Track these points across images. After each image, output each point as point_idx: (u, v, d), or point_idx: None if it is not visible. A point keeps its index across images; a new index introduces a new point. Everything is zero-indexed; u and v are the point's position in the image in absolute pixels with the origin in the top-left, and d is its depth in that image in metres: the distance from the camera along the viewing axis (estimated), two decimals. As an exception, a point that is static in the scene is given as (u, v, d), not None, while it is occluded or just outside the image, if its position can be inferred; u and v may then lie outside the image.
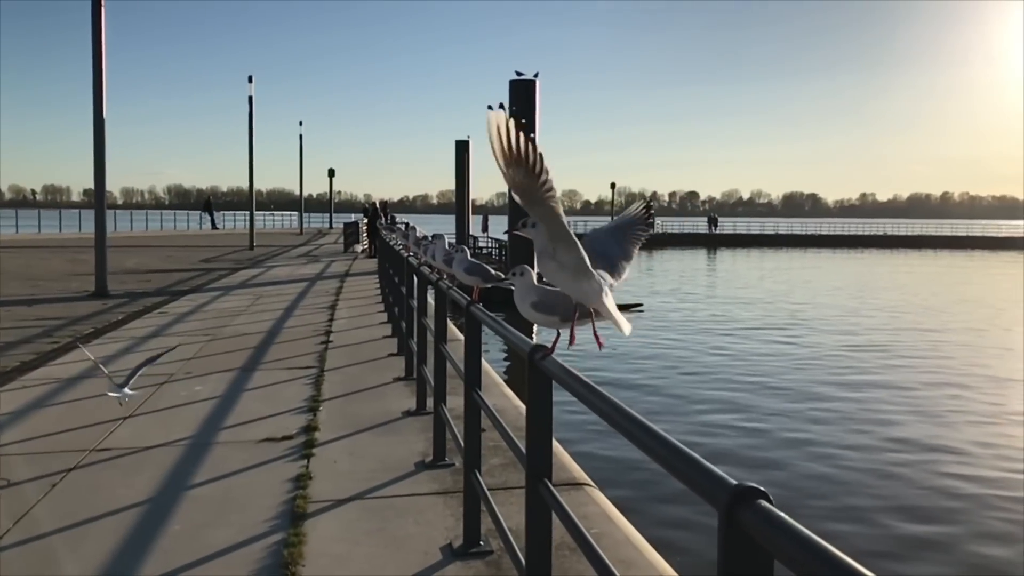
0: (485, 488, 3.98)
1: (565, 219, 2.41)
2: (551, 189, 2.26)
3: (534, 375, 2.71)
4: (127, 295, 16.73)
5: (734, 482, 1.36)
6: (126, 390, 5.95)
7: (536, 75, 27.08)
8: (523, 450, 2.94)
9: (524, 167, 2.18)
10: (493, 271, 4.65)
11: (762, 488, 1.33)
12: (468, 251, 4.83)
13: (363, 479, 5.28)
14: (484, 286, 4.53)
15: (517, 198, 2.29)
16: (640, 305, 3.27)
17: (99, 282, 16.71)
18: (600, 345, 2.65)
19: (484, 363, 5.75)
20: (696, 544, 7.48)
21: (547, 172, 2.21)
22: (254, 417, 6.94)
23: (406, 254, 9.32)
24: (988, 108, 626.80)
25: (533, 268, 2.84)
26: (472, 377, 4.10)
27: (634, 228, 3.11)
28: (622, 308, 2.76)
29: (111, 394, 5.97)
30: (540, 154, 2.17)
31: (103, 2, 15.94)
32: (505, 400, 7.33)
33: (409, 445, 6.04)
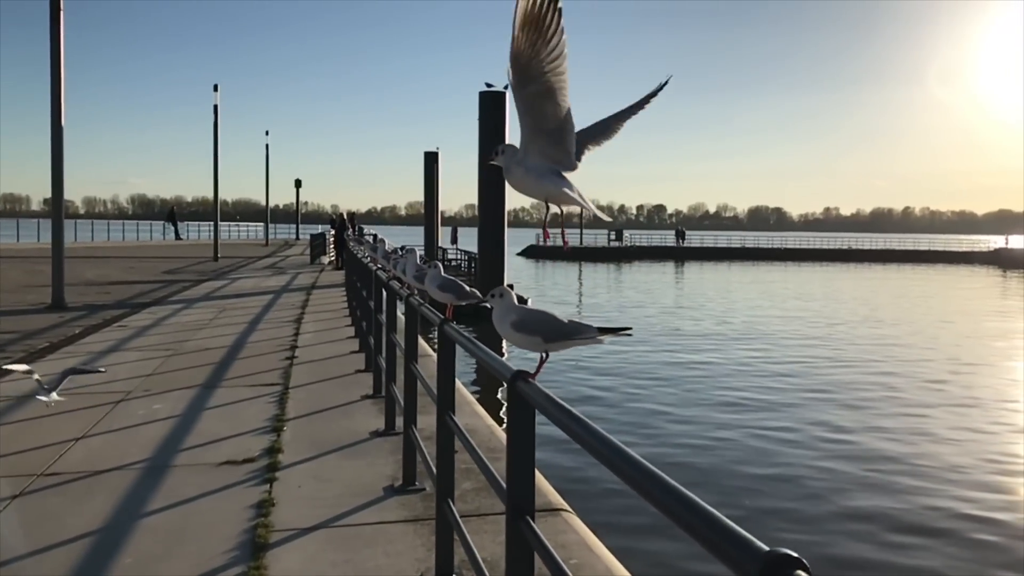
0: (459, 518, 3.75)
1: (567, 91, 2.30)
2: (561, 53, 2.18)
3: (516, 404, 2.50)
4: (86, 308, 16.24)
5: (766, 548, 1.16)
6: (53, 394, 6.27)
7: (506, 87, 27.27)
8: (502, 483, 2.72)
9: (539, 28, 2.09)
10: (468, 288, 4.43)
11: (798, 556, 1.14)
12: (441, 266, 4.60)
13: (329, 505, 5.02)
14: (458, 304, 4.30)
15: (515, 73, 2.18)
16: (629, 329, 3.15)
17: (56, 294, 16.21)
18: (566, 245, 3.05)
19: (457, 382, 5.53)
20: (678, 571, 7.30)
21: (562, 32, 2.13)
22: (215, 438, 6.64)
23: (374, 267, 9.07)
24: (946, 125, 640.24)
25: (512, 290, 2.75)
26: (445, 401, 3.88)
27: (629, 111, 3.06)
28: (609, 331, 2.56)
29: (39, 398, 6.28)
30: (560, 9, 2.09)
31: (61, 7, 15.49)
32: (477, 420, 7.10)
33: (377, 468, 5.78)
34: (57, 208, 16.35)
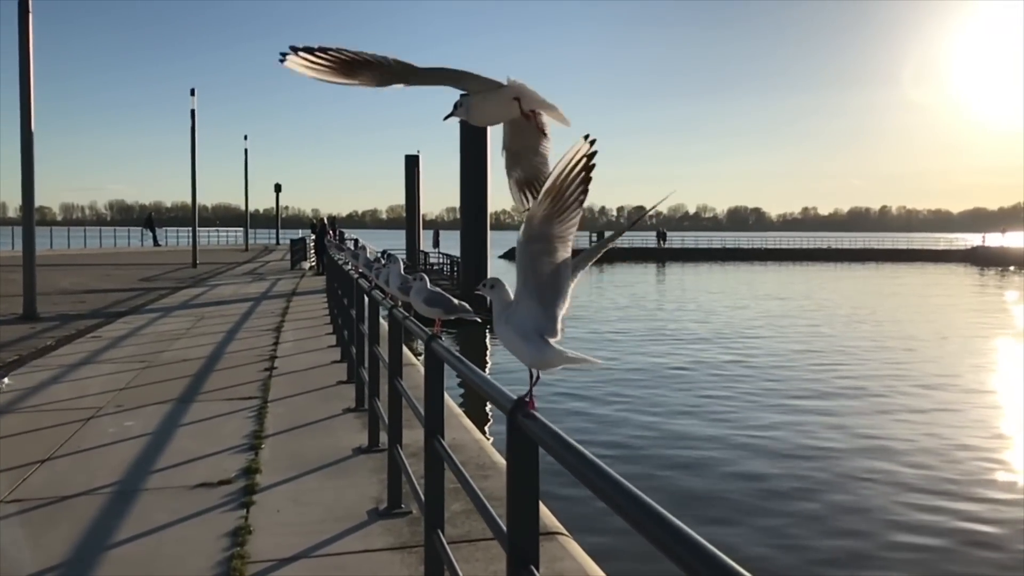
0: (448, 548, 3.48)
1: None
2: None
3: (517, 440, 2.23)
4: (59, 318, 15.79)
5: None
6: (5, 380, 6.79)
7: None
8: (501, 525, 2.45)
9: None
10: (456, 301, 4.14)
11: None
12: (427, 278, 4.30)
13: (309, 532, 4.72)
14: (447, 318, 4.02)
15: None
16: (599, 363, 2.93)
17: (28, 304, 15.74)
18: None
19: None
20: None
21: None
22: (189, 457, 6.32)
23: (355, 275, 8.77)
24: (922, 126, 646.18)
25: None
26: (433, 423, 3.60)
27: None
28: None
29: None
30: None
31: (30, 9, 15.07)
32: (465, 434, 6.81)
33: (361, 489, 5.49)
34: (28, 215, 15.90)
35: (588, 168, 2.04)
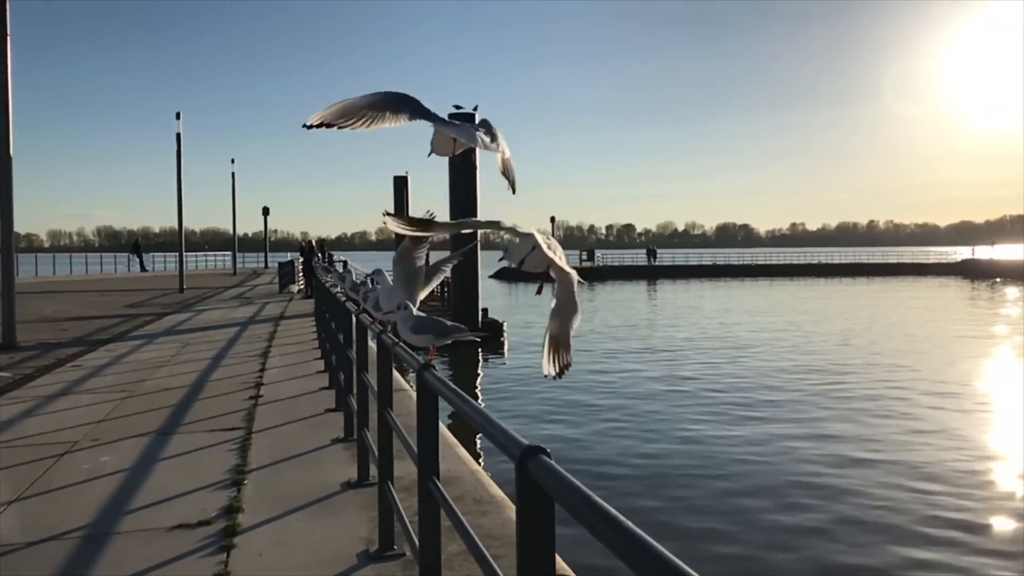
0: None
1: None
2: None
3: (528, 492, 1.88)
4: (39, 347, 15.35)
5: None
6: None
7: (475, 108, 26.72)
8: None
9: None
10: (449, 323, 3.81)
11: None
12: (412, 305, 3.95)
13: (294, 579, 4.35)
14: (440, 343, 3.69)
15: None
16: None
17: (6, 333, 15.31)
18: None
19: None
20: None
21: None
22: (168, 495, 5.93)
23: (343, 298, 8.42)
24: (908, 140, 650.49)
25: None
26: (428, 463, 3.26)
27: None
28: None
29: None
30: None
31: (8, 36, 14.76)
32: (459, 464, 6.46)
33: (350, 528, 5.12)
34: (6, 242, 15.48)
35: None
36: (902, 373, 20.92)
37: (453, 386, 2.83)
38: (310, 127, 2.84)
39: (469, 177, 30.03)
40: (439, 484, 3.20)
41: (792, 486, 11.13)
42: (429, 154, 3.25)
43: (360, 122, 2.86)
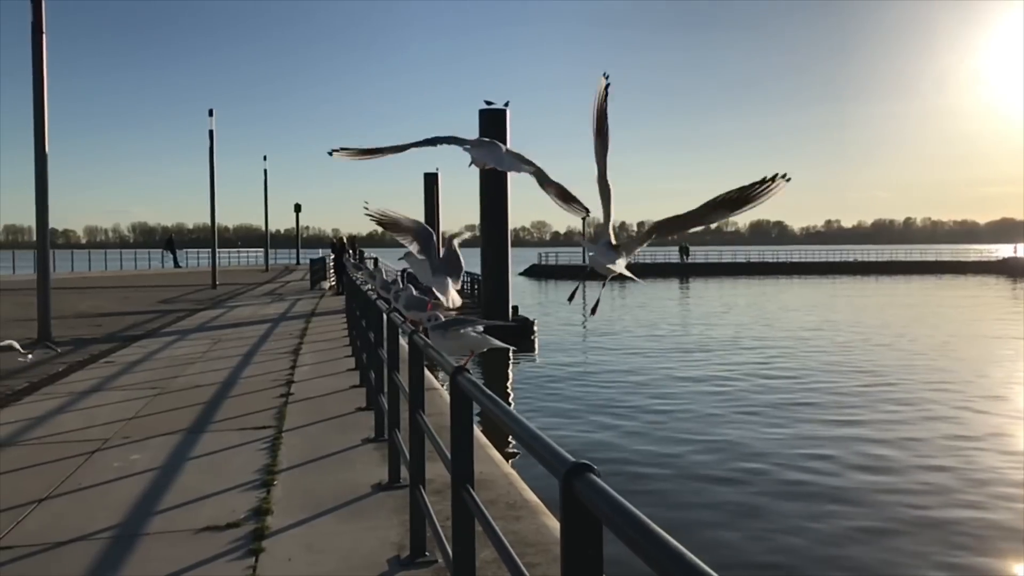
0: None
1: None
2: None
3: (574, 514, 1.72)
4: (73, 342, 15.47)
5: None
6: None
7: (507, 104, 26.23)
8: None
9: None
10: (480, 328, 3.62)
11: None
12: (412, 287, 3.83)
13: (323, 586, 4.22)
14: (432, 319, 3.54)
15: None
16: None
17: (42, 329, 15.44)
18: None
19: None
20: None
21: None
22: (197, 495, 5.85)
23: (373, 296, 8.31)
24: (945, 135, 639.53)
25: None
26: (462, 471, 3.11)
27: None
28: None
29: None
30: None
31: (43, 31, 14.86)
32: (491, 467, 6.31)
33: (380, 532, 4.99)
34: (43, 239, 15.62)
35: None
36: (946, 375, 20.45)
37: (489, 392, 2.68)
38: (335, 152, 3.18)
39: (500, 172, 29.88)
40: (474, 493, 3.05)
41: (839, 493, 10.86)
42: (470, 164, 3.35)
43: (392, 151, 3.10)
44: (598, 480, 1.69)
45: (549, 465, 1.85)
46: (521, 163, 3.15)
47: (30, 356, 7.99)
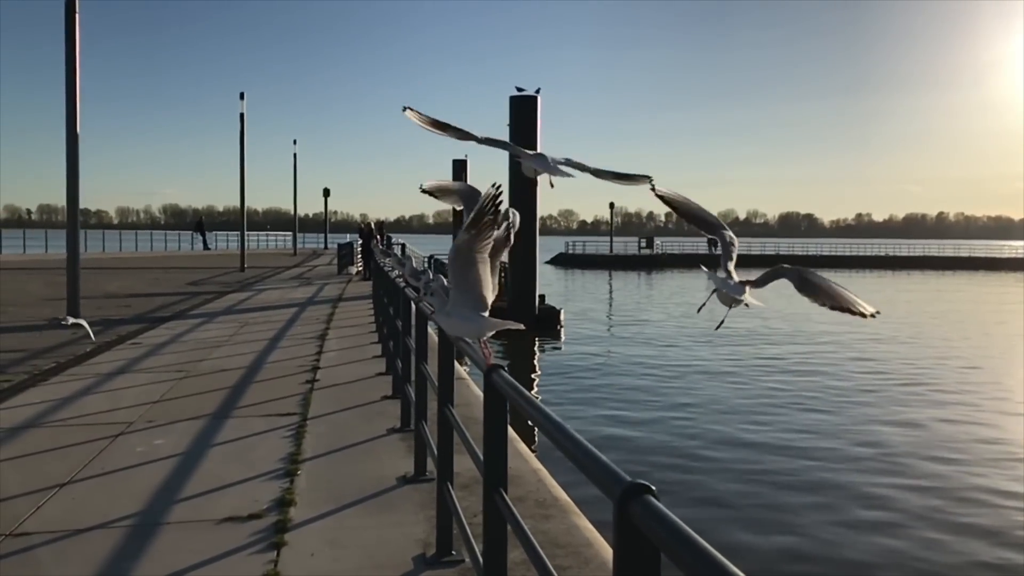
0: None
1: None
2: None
3: (630, 538, 1.54)
4: (102, 323, 15.50)
5: None
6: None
7: (538, 91, 26.14)
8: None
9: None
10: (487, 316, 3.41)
11: None
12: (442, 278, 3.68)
13: (346, 584, 4.08)
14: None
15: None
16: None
17: (71, 308, 15.43)
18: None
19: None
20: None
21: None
22: (219, 484, 5.75)
23: (402, 284, 8.16)
24: (979, 129, 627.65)
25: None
26: (495, 474, 2.94)
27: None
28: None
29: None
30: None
31: (76, 11, 14.82)
32: (520, 462, 6.13)
33: (406, 528, 4.84)
34: (73, 219, 15.61)
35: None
36: (987, 375, 20.02)
37: (528, 394, 2.50)
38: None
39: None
40: (507, 497, 2.88)
41: (875, 493, 10.60)
42: (523, 171, 3.39)
43: (455, 134, 3.06)
44: (657, 503, 1.50)
45: (602, 484, 1.66)
46: (571, 167, 3.19)
47: (92, 336, 9.39)
